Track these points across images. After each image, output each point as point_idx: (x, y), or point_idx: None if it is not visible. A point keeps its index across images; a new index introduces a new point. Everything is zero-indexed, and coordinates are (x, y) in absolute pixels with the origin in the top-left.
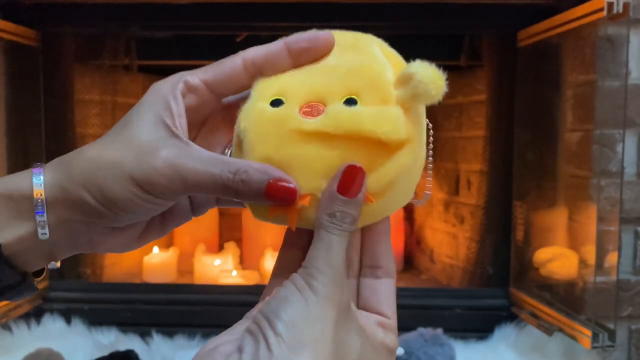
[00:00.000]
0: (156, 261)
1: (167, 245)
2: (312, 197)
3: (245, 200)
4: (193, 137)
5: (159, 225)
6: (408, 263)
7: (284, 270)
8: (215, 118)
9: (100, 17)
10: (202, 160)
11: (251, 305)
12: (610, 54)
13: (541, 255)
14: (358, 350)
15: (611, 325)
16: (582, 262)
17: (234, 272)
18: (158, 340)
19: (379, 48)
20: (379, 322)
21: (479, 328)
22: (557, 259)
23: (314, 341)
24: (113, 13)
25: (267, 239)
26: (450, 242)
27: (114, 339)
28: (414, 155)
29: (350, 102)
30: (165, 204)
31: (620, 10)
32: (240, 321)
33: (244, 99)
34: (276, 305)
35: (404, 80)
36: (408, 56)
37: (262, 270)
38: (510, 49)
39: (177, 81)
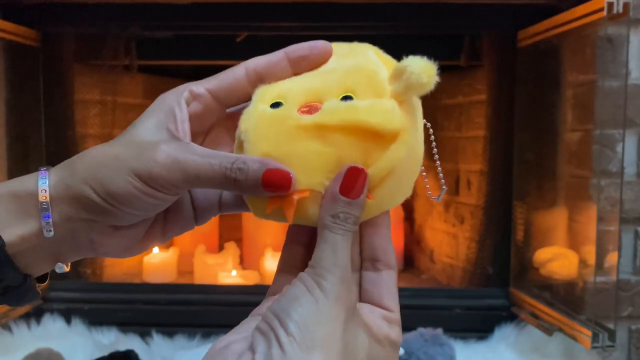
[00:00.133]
0: (156, 261)
1: (167, 245)
2: (310, 191)
3: (243, 191)
4: None
5: (160, 231)
6: (408, 263)
7: (289, 266)
8: (219, 129)
9: (100, 17)
10: (202, 153)
11: (251, 305)
12: (610, 54)
13: (541, 255)
14: (366, 347)
15: (611, 326)
16: (582, 262)
17: (234, 272)
18: (158, 340)
19: (374, 53)
20: (384, 316)
21: (479, 328)
22: (557, 259)
23: (325, 340)
24: (113, 13)
25: (267, 239)
26: (450, 242)
27: (114, 339)
28: (409, 149)
29: (347, 99)
30: (166, 199)
31: (620, 10)
32: (247, 319)
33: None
34: (287, 304)
35: (397, 74)
36: (408, 56)
37: (262, 270)
38: (510, 49)
39: (182, 90)
